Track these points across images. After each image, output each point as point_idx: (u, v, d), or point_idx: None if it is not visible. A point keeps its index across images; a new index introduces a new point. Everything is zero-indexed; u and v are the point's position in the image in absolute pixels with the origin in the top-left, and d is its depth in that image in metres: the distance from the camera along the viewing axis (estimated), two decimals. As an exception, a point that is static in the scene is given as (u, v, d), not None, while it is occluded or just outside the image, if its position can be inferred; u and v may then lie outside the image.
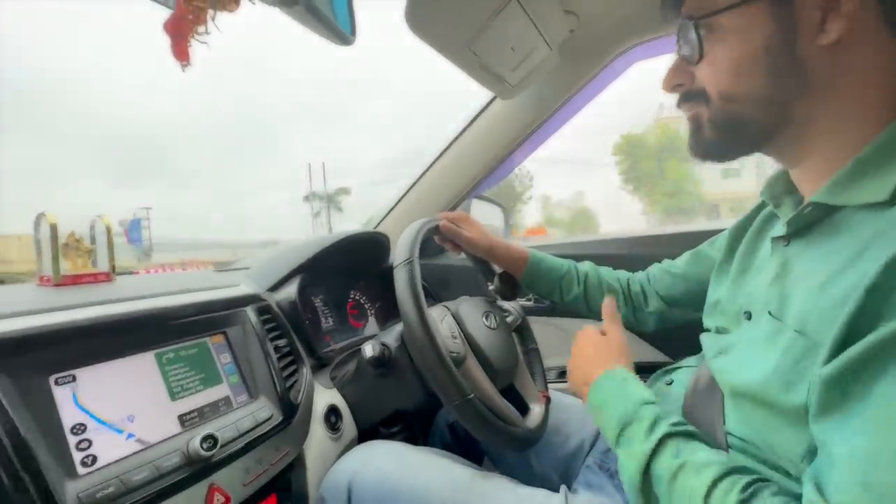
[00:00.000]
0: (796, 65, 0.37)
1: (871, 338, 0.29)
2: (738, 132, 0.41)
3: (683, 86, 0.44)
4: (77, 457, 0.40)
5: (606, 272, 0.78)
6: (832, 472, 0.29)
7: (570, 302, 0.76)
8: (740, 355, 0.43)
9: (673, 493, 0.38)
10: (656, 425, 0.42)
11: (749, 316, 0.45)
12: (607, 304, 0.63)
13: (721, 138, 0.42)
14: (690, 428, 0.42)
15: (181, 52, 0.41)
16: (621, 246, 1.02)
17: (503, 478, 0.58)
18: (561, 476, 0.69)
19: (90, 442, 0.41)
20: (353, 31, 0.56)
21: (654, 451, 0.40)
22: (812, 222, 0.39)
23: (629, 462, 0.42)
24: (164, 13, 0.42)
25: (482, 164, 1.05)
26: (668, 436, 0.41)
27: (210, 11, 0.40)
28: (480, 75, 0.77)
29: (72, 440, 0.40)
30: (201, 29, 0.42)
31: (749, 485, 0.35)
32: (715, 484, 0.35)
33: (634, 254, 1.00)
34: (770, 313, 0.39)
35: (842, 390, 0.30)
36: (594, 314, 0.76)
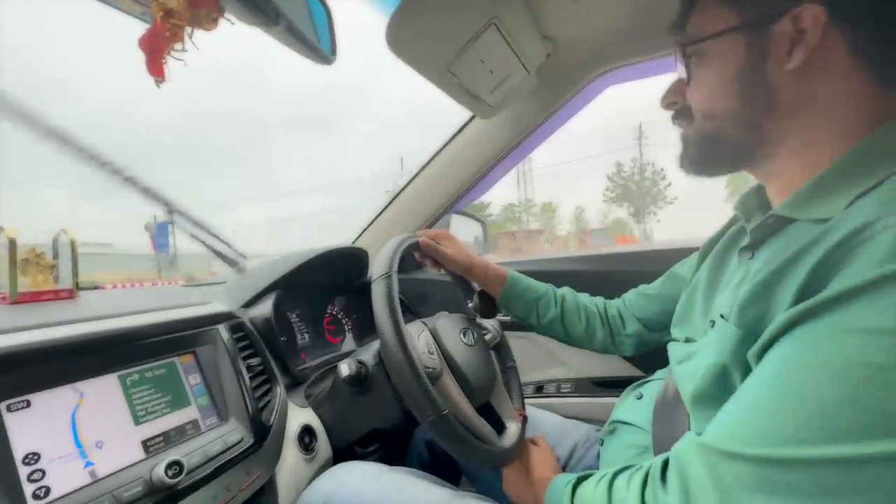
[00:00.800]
0: (766, 87, 0.40)
1: (782, 316, 0.32)
2: (717, 148, 0.45)
3: (677, 104, 0.49)
4: (28, 489, 0.38)
5: (584, 297, 0.79)
6: (716, 417, 0.34)
7: (546, 325, 0.76)
8: (698, 360, 0.45)
9: None
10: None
11: (713, 324, 0.47)
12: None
13: (702, 154, 0.47)
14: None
15: (156, 69, 0.40)
16: (597, 262, 1.04)
17: (480, 498, 0.57)
18: None
19: (43, 472, 0.39)
20: (333, 52, 0.57)
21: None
22: (772, 233, 0.43)
23: None
24: (143, 27, 0.41)
25: (462, 181, 1.06)
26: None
27: (187, 29, 0.39)
28: (460, 95, 0.79)
29: (23, 471, 0.38)
30: (178, 46, 0.41)
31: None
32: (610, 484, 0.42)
33: (611, 270, 1.03)
34: (722, 316, 0.41)
35: (755, 364, 0.34)
36: (570, 338, 0.77)
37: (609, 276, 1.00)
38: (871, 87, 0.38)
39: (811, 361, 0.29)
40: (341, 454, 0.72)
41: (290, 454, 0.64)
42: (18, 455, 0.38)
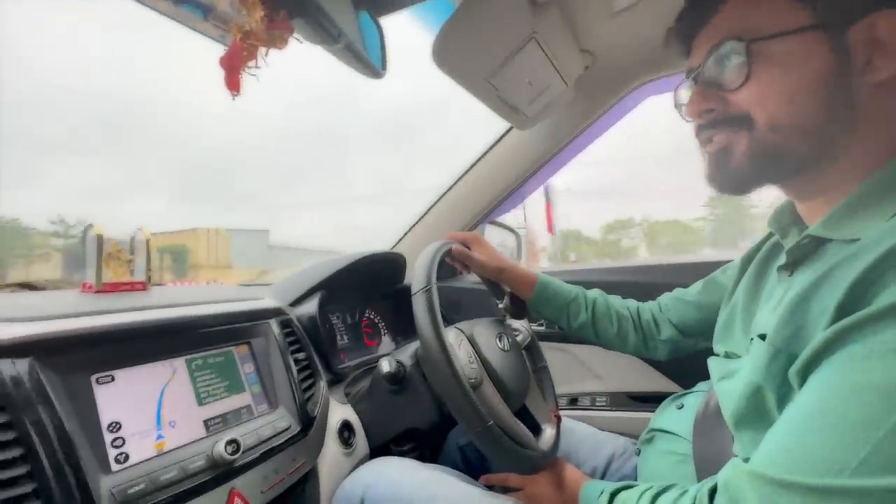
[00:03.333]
0: (849, 99, 0.37)
1: (824, 333, 0.31)
2: (775, 163, 0.40)
3: (714, 111, 0.42)
4: (112, 454, 0.42)
5: (615, 300, 0.79)
6: (763, 443, 0.33)
7: (577, 328, 0.76)
8: (738, 380, 0.44)
9: None
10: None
11: (751, 341, 0.46)
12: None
13: (753, 168, 0.41)
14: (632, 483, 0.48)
15: (233, 84, 0.45)
16: (630, 274, 1.03)
17: (513, 500, 0.58)
18: None
19: (123, 440, 0.44)
20: (384, 66, 0.61)
21: None
22: (808, 252, 0.40)
23: None
24: (221, 49, 0.47)
25: (497, 191, 1.08)
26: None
27: (262, 49, 0.44)
28: (498, 107, 0.81)
29: (108, 437, 0.43)
30: (252, 63, 0.47)
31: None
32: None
33: (643, 282, 1.01)
34: (760, 336, 0.40)
35: (798, 384, 0.33)
36: (602, 341, 0.77)
37: (640, 287, 0.99)
38: None
39: (862, 384, 0.28)
40: (377, 452, 0.74)
41: (331, 446, 0.67)
42: (104, 422, 0.43)
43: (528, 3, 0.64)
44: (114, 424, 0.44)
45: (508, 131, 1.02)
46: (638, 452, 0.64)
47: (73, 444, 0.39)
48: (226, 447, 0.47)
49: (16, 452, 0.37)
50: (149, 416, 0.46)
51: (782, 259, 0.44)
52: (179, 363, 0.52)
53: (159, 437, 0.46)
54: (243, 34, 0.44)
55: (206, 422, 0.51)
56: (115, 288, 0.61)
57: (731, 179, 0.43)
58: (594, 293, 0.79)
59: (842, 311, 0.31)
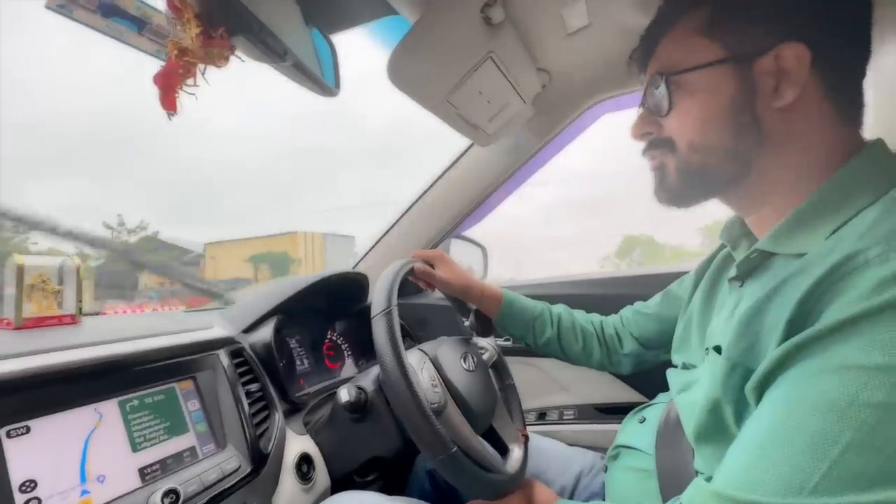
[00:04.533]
0: (755, 122, 0.41)
1: (777, 351, 0.32)
2: (702, 180, 0.45)
3: (652, 134, 0.48)
4: (23, 518, 0.37)
5: (580, 315, 0.80)
6: (724, 461, 0.34)
7: (543, 344, 0.77)
8: (696, 392, 0.45)
9: None
10: None
11: (707, 352, 0.47)
12: None
13: (685, 185, 0.46)
14: None
15: (169, 103, 0.42)
16: (593, 287, 1.04)
17: None
18: None
19: (39, 501, 0.39)
20: (337, 84, 0.59)
21: None
22: (756, 266, 0.43)
23: None
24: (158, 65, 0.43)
25: (461, 206, 1.08)
26: None
27: (199, 66, 0.42)
28: (458, 124, 0.81)
29: (19, 499, 0.38)
30: (190, 81, 0.44)
31: None
32: None
33: (607, 294, 1.03)
34: (715, 348, 0.42)
35: (754, 400, 0.34)
36: (568, 356, 0.77)
37: (605, 299, 1.01)
38: (837, 124, 0.40)
39: (815, 401, 0.29)
40: (340, 484, 0.71)
41: (288, 483, 0.63)
42: (15, 482, 0.38)
43: (484, 23, 0.64)
44: (27, 483, 0.39)
45: (470, 148, 1.02)
46: (605, 469, 0.64)
47: (-27, 513, 0.34)
48: (162, 499, 0.42)
49: None
50: (71, 471, 0.41)
51: (734, 271, 0.47)
52: (110, 406, 0.47)
53: (84, 492, 0.41)
54: (179, 51, 0.41)
55: (141, 470, 0.46)
56: (40, 323, 0.55)
57: (669, 194, 0.47)
58: (559, 308, 0.79)
59: (792, 326, 0.32)
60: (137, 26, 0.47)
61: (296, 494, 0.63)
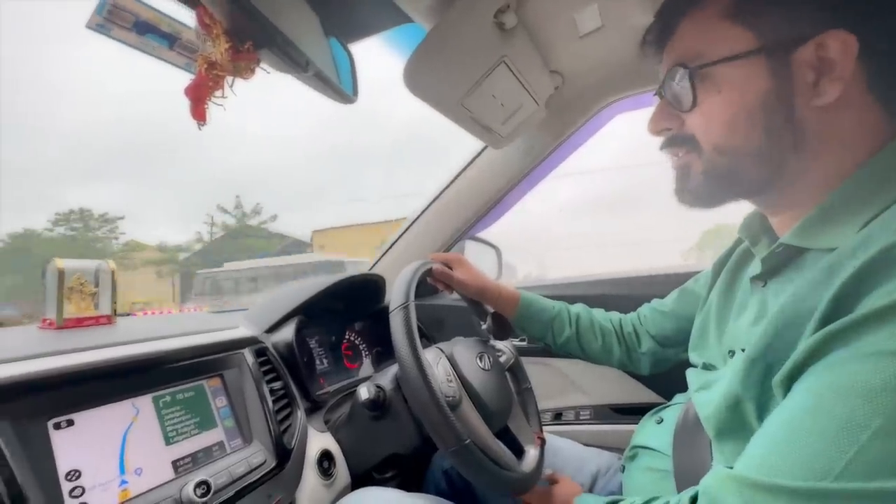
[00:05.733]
0: (791, 123, 0.37)
1: (808, 341, 0.31)
2: (729, 183, 0.42)
3: (671, 130, 0.44)
4: (70, 504, 0.40)
5: (598, 313, 0.79)
6: (746, 449, 0.33)
7: (562, 344, 0.77)
8: (716, 391, 0.45)
9: None
10: None
11: (732, 354, 0.47)
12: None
13: (711, 188, 0.43)
14: None
15: (199, 114, 0.45)
16: (611, 286, 1.04)
17: None
18: None
19: (83, 489, 0.41)
20: (355, 92, 0.61)
21: None
22: (784, 262, 0.41)
23: None
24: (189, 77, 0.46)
25: (475, 208, 1.09)
26: None
27: (228, 78, 0.44)
28: (472, 128, 0.82)
29: (65, 487, 0.40)
30: (218, 93, 0.46)
31: None
32: None
33: (622, 294, 1.03)
34: (742, 349, 0.41)
35: (782, 392, 0.33)
36: (588, 355, 0.77)
37: (623, 299, 1.00)
38: (881, 121, 0.36)
39: (847, 387, 0.28)
40: (359, 480, 0.72)
41: (310, 478, 0.65)
42: (62, 471, 0.40)
43: (497, 29, 0.65)
44: (73, 473, 0.41)
45: (483, 150, 1.03)
46: (623, 469, 0.64)
47: (25, 499, 0.36)
48: (195, 490, 0.44)
49: (-40, 511, 0.34)
50: (111, 461, 0.44)
51: (756, 268, 0.44)
52: (145, 401, 0.50)
53: (123, 483, 0.44)
54: (209, 64, 0.44)
55: (174, 463, 0.49)
56: (79, 323, 0.59)
57: (693, 195, 0.44)
58: (577, 308, 0.79)
59: (826, 319, 0.31)
60: (169, 42, 0.50)
61: (317, 489, 0.65)
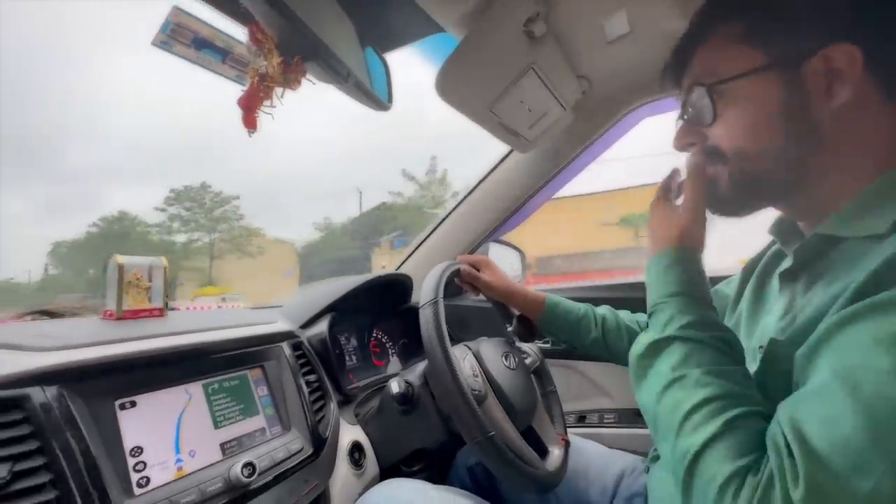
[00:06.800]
0: (810, 125, 0.40)
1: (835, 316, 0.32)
2: (756, 188, 0.44)
3: (695, 145, 0.47)
4: (134, 477, 0.44)
5: (625, 315, 0.80)
6: (800, 405, 0.32)
7: (588, 345, 0.78)
8: None
9: (660, 401, 0.39)
10: (668, 324, 0.42)
11: (762, 350, 0.47)
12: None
13: (740, 195, 0.45)
14: (702, 335, 0.40)
15: (250, 122, 0.48)
16: (634, 290, 1.04)
17: None
18: None
19: (145, 464, 0.45)
20: (389, 99, 0.64)
21: (658, 349, 0.41)
22: (817, 254, 0.42)
23: (637, 346, 0.44)
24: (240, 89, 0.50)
25: (500, 211, 1.11)
26: (672, 339, 0.40)
27: (278, 90, 0.48)
28: (500, 132, 0.85)
29: (130, 461, 0.44)
30: (267, 102, 0.50)
31: (732, 413, 0.35)
32: (700, 406, 0.35)
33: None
34: (771, 341, 0.41)
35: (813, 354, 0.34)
36: (614, 357, 0.78)
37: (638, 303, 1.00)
38: (893, 111, 0.39)
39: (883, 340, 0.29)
40: (387, 473, 0.75)
41: (342, 468, 0.68)
42: (127, 446, 0.44)
43: (526, 37, 0.68)
44: (136, 449, 0.45)
45: (509, 153, 1.05)
46: (647, 470, 0.64)
47: (99, 469, 0.40)
48: (242, 470, 0.48)
49: (44, 478, 0.38)
50: (168, 440, 0.48)
51: (788, 262, 0.45)
52: (196, 387, 0.54)
53: (178, 460, 0.48)
54: (260, 76, 0.48)
55: (222, 445, 0.52)
56: (135, 315, 0.63)
57: (723, 205, 0.47)
58: (603, 309, 0.80)
59: (854, 300, 0.32)
60: (222, 56, 0.54)
61: (349, 479, 0.68)
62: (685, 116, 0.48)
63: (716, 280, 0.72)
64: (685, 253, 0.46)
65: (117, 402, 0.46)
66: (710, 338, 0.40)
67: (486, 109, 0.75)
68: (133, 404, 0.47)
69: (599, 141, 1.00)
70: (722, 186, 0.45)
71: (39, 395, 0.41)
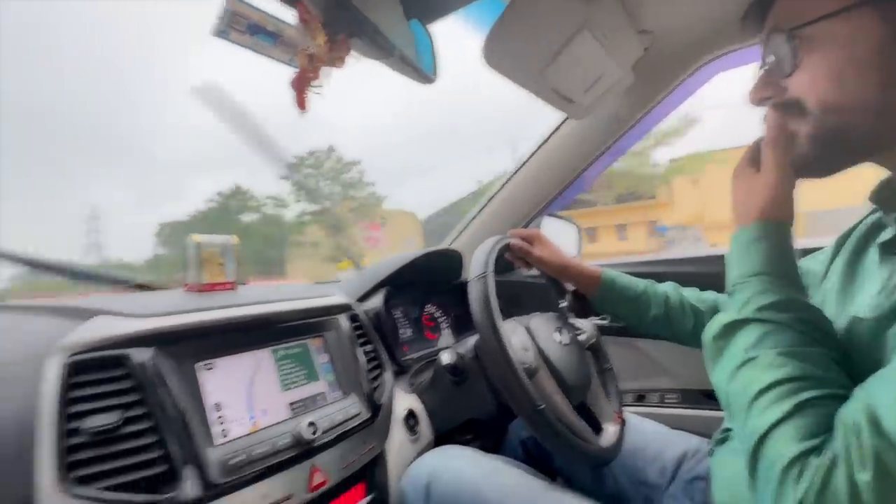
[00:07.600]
0: None
1: None
2: (843, 145, 0.40)
3: (772, 98, 0.43)
4: (216, 430, 0.49)
5: (690, 293, 0.75)
6: (879, 385, 0.30)
7: (649, 323, 0.73)
8: None
9: (732, 382, 0.38)
10: (746, 305, 0.40)
11: (852, 319, 0.42)
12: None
13: (823, 152, 0.41)
14: (782, 316, 0.37)
15: (301, 102, 0.50)
16: (703, 264, 0.96)
17: (579, 495, 0.58)
18: (642, 502, 0.67)
19: (224, 419, 0.51)
20: (435, 72, 0.63)
21: (733, 330, 0.39)
22: None
23: (711, 326, 0.42)
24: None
25: (554, 183, 1.07)
26: (748, 321, 0.39)
27: (324, 69, 0.49)
28: (552, 99, 0.80)
29: (212, 416, 0.50)
30: (315, 82, 0.51)
31: (804, 396, 0.33)
32: (770, 387, 0.34)
33: (717, 272, 0.94)
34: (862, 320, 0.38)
35: None
36: (678, 337, 0.73)
37: (718, 277, 0.92)
38: None
39: None
40: (441, 440, 0.78)
41: (397, 433, 0.72)
42: (209, 403, 0.50)
43: (579, -8, 0.63)
44: (216, 405, 0.51)
45: (564, 122, 1.00)
46: (711, 453, 0.61)
47: (188, 421, 0.46)
48: (307, 427, 0.52)
49: (146, 424, 0.45)
50: (243, 399, 0.53)
51: (887, 234, 0.41)
52: (266, 353, 0.59)
53: (252, 417, 0.53)
54: (308, 57, 0.49)
55: (290, 405, 0.57)
56: (212, 287, 0.70)
57: (805, 163, 0.42)
58: (665, 286, 0.75)
59: None
60: (273, 40, 0.56)
61: (404, 444, 0.72)
62: (765, 67, 0.43)
63: (807, 252, 0.65)
64: (770, 226, 0.42)
65: (198, 364, 0.52)
66: (790, 318, 0.38)
67: (536, 75, 0.72)
68: (211, 367, 0.53)
69: (666, 101, 0.92)
70: (803, 143, 0.41)
71: (138, 354, 0.47)
